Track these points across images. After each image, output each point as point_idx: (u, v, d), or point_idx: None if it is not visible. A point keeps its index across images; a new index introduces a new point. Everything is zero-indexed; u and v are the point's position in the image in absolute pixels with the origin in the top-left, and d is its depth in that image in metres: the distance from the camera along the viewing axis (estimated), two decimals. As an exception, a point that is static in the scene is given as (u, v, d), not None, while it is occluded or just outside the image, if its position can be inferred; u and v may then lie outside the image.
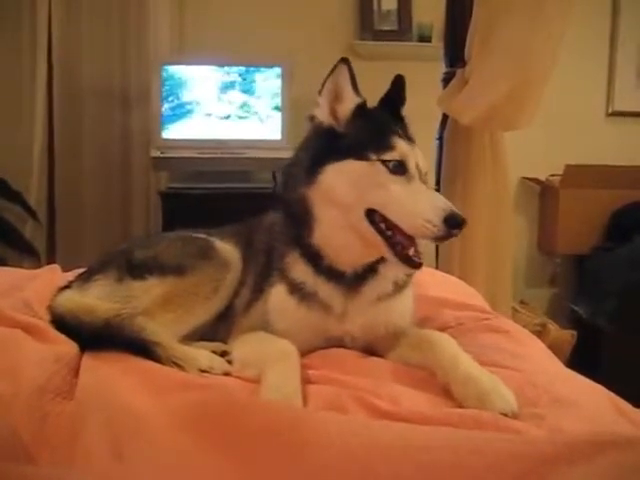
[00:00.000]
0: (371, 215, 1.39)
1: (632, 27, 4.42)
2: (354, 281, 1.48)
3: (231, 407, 1.07)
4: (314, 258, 1.47)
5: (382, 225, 1.38)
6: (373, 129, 1.46)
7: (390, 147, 1.41)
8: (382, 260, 1.48)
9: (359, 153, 1.40)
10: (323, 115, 1.48)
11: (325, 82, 1.47)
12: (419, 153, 1.45)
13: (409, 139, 1.48)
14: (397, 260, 1.38)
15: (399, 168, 1.39)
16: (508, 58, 2.62)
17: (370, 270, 1.49)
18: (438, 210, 1.31)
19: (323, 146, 1.45)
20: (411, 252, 1.37)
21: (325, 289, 1.47)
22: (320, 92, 1.48)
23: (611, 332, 3.62)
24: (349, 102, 1.47)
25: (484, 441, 0.92)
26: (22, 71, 3.98)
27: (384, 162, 1.39)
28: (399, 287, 1.54)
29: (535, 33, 2.53)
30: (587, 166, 4.08)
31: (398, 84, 1.60)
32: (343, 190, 1.39)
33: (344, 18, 4.25)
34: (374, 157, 1.39)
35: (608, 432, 0.99)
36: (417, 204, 1.35)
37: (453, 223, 1.30)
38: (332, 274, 1.47)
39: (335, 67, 1.46)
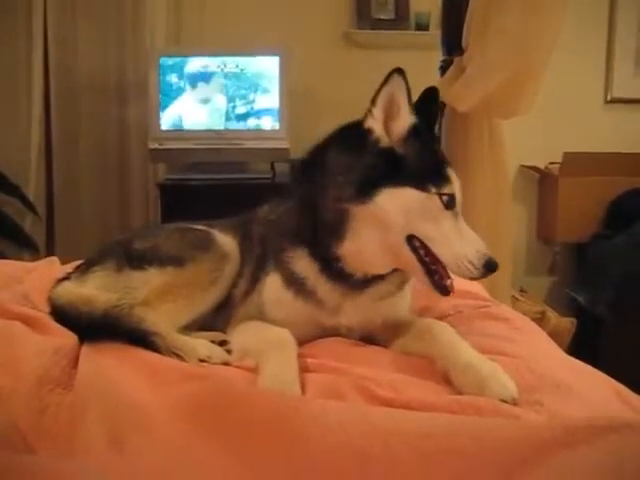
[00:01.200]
0: (411, 241, 1.37)
1: (630, 14, 4.39)
2: (358, 284, 1.46)
3: (229, 397, 1.07)
4: (327, 261, 1.44)
5: (422, 252, 1.38)
6: (430, 156, 1.44)
7: (448, 180, 1.40)
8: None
9: (419, 183, 1.35)
10: (379, 130, 1.40)
11: (379, 92, 1.39)
12: (459, 189, 1.44)
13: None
14: (433, 288, 1.39)
15: (451, 203, 1.38)
16: (505, 45, 2.60)
17: (378, 276, 1.47)
18: (480, 254, 1.35)
19: (379, 165, 1.38)
20: (448, 282, 1.39)
21: (325, 288, 1.46)
22: (373, 101, 1.39)
23: (610, 320, 3.62)
24: (405, 120, 1.40)
25: (483, 427, 0.92)
26: (18, 64, 3.97)
27: (441, 196, 1.37)
28: (401, 285, 1.53)
29: (532, 20, 2.51)
30: (586, 154, 4.07)
31: (431, 97, 1.55)
32: (394, 216, 1.35)
33: (341, 7, 4.22)
34: (433, 190, 1.36)
35: (607, 416, 0.99)
36: (463, 245, 1.37)
37: (490, 268, 1.35)
38: (339, 276, 1.45)
39: (390, 77, 1.37)
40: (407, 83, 1.38)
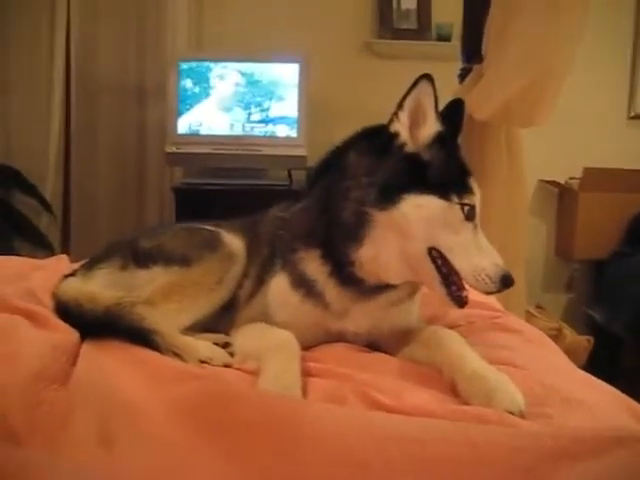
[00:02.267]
0: (430, 251, 1.35)
1: (656, 29, 4.35)
2: (369, 291, 1.43)
3: (226, 398, 1.05)
4: (339, 264, 1.41)
5: (439, 262, 1.35)
6: (454, 165, 1.41)
7: (470, 191, 1.38)
8: None
9: (442, 192, 1.33)
10: (405, 135, 1.38)
11: (406, 97, 1.37)
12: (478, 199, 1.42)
13: None
14: (449, 299, 1.37)
15: (471, 214, 1.36)
16: (524, 53, 2.57)
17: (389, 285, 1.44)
18: (498, 268, 1.33)
19: (404, 171, 1.36)
20: (464, 294, 1.36)
21: (334, 292, 1.43)
22: (400, 105, 1.37)
23: (628, 339, 3.56)
24: (431, 127, 1.38)
25: (481, 434, 0.88)
26: (40, 66, 4.01)
27: (462, 206, 1.35)
28: (412, 294, 1.50)
29: (551, 26, 2.48)
30: (607, 169, 4.03)
31: (456, 108, 1.54)
32: (416, 224, 1.33)
33: (363, 16, 4.23)
34: (456, 200, 1.34)
35: (615, 428, 0.95)
36: (481, 257, 1.34)
37: (506, 282, 1.33)
38: (350, 281, 1.42)
39: (418, 82, 1.35)
40: (435, 90, 1.36)
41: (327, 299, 1.44)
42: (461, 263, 1.34)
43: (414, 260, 1.36)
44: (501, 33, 2.66)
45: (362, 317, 1.46)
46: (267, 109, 3.78)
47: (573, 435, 0.85)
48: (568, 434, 0.86)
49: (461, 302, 1.36)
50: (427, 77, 1.35)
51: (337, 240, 1.40)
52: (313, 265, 1.44)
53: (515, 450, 0.83)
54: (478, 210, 1.39)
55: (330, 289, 1.43)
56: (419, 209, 1.32)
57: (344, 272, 1.41)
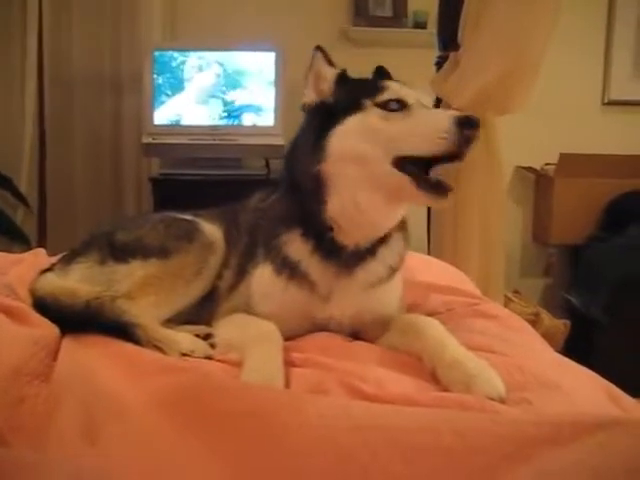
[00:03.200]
0: (397, 163, 1.34)
1: (628, 15, 4.38)
2: (350, 261, 1.44)
3: (209, 389, 1.05)
4: (319, 234, 1.43)
5: (409, 167, 1.33)
6: (362, 84, 1.48)
7: (381, 89, 1.41)
8: (384, 242, 1.46)
9: (354, 107, 1.39)
10: (311, 97, 1.48)
11: (307, 76, 1.49)
12: (420, 94, 1.44)
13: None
14: (434, 197, 1.33)
15: (398, 105, 1.38)
16: (499, 40, 2.59)
17: (370, 250, 1.45)
18: (448, 117, 1.29)
19: (321, 121, 1.42)
20: (441, 179, 1.34)
21: (318, 269, 1.43)
22: (305, 84, 1.50)
23: (605, 323, 3.60)
24: (330, 76, 1.48)
25: (465, 422, 0.89)
26: (12, 57, 3.94)
27: (380, 105, 1.38)
28: (390, 272, 1.50)
29: (525, 14, 2.50)
30: (582, 155, 4.05)
31: (381, 72, 1.62)
32: (354, 148, 1.36)
33: (339, 3, 4.21)
34: (369, 102, 1.38)
35: (595, 413, 0.96)
36: (427, 123, 1.33)
37: (465, 123, 1.27)
38: (331, 251, 1.43)
39: (312, 57, 1.50)
40: (325, 53, 1.51)
41: (311, 277, 1.44)
42: (414, 144, 1.32)
43: (383, 181, 1.36)
44: (476, 21, 2.68)
45: (346, 300, 1.46)
46: (243, 98, 3.76)
47: (553, 421, 0.87)
48: (549, 420, 0.88)
49: (441, 187, 1.33)
50: (317, 48, 1.50)
51: (310, 211, 1.43)
52: (296, 245, 1.45)
53: (498, 437, 0.84)
54: (416, 100, 1.40)
55: (314, 266, 1.44)
56: (345, 135, 1.37)
57: (325, 242, 1.42)
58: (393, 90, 1.40)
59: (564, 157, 4.04)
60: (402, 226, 1.53)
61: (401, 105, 1.37)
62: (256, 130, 3.74)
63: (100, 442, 0.98)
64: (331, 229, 1.41)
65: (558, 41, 2.71)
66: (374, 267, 1.46)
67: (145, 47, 3.82)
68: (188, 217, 1.66)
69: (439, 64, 3.03)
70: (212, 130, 3.71)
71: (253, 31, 3.92)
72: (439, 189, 1.33)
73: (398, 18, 4.15)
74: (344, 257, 1.43)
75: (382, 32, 4.11)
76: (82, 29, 3.98)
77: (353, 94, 1.42)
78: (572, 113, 4.32)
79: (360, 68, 1.53)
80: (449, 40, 2.95)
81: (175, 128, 3.74)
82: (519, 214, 4.47)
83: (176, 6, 4.05)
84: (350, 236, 1.42)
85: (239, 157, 3.84)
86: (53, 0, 3.93)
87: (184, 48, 3.82)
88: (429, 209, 3.07)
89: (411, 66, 3.90)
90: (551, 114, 4.14)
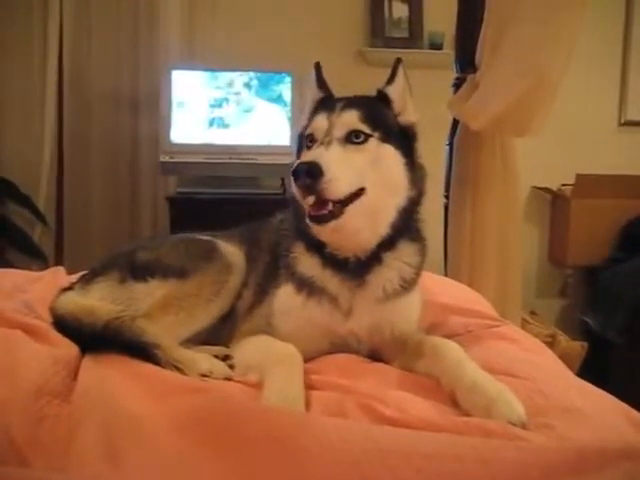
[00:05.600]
0: None
1: (646, 36, 4.38)
2: (359, 270, 1.44)
3: (231, 412, 1.04)
4: (318, 247, 1.45)
5: None
6: (313, 116, 1.50)
7: (308, 124, 1.48)
8: (388, 250, 1.46)
9: (302, 142, 1.48)
10: (302, 122, 1.55)
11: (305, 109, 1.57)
12: (345, 116, 1.42)
13: (347, 106, 1.44)
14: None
15: (312, 141, 1.43)
16: (519, 63, 2.58)
17: (374, 258, 1.45)
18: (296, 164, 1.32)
19: (299, 149, 1.52)
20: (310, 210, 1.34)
21: (333, 283, 1.45)
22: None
23: (622, 344, 3.57)
24: (312, 100, 1.55)
25: (490, 449, 0.89)
26: (33, 75, 3.98)
27: (306, 138, 1.45)
28: (406, 285, 1.49)
29: (546, 39, 2.49)
30: (599, 176, 4.04)
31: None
32: None
33: (355, 25, 4.24)
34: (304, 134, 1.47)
35: (618, 441, 0.95)
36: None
37: (294, 174, 1.29)
38: (337, 264, 1.44)
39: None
40: (319, 72, 1.58)
41: (329, 291, 1.45)
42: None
43: None
44: (496, 43, 2.67)
45: (364, 312, 1.46)
46: (260, 118, 3.78)
47: (578, 449, 0.86)
48: (574, 448, 0.87)
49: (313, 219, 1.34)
50: (315, 67, 1.57)
51: (303, 228, 1.44)
52: (305, 260, 1.48)
53: (524, 466, 0.83)
54: (326, 129, 1.41)
55: (328, 279, 1.45)
56: None
57: (325, 256, 1.44)
58: (313, 125, 1.45)
59: (581, 178, 4.03)
60: (414, 237, 1.52)
61: (313, 140, 1.43)
62: (273, 149, 3.75)
63: (121, 464, 0.98)
64: (324, 243, 1.43)
65: (575, 62, 2.70)
66: (385, 276, 1.46)
67: (163, 66, 3.85)
68: (208, 238, 1.67)
69: (457, 86, 3.03)
70: (229, 149, 3.72)
71: (270, 53, 3.94)
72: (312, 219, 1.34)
73: (414, 39, 4.18)
74: (351, 268, 1.44)
75: (398, 53, 4.11)
76: (101, 48, 4.03)
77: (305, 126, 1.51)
78: (589, 134, 4.31)
79: (376, 88, 1.55)
80: (467, 62, 2.96)
81: (192, 147, 3.75)
82: (535, 235, 4.45)
83: (194, 26, 4.08)
84: (342, 248, 1.43)
85: (256, 176, 3.85)
86: (73, 20, 3.98)
87: (201, 68, 3.85)
88: (446, 229, 3.06)
89: (427, 87, 3.94)
90: (568, 134, 4.13)
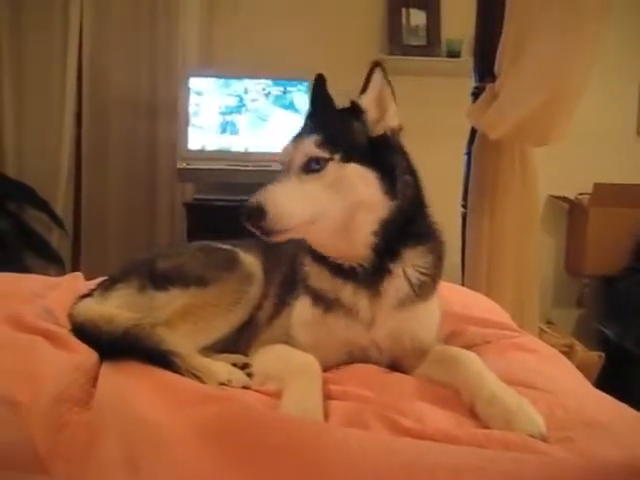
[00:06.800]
0: None
1: (665, 45, 4.36)
2: (371, 280, 1.43)
3: (250, 421, 1.04)
4: (321, 257, 1.45)
5: None
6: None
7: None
8: (388, 258, 1.44)
9: None
10: None
11: None
12: (303, 143, 1.42)
13: (307, 131, 1.45)
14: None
15: (283, 172, 1.43)
16: (539, 73, 2.57)
17: (383, 269, 1.44)
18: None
19: None
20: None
21: (346, 292, 1.44)
22: None
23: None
24: None
25: (512, 463, 0.88)
26: (52, 81, 4.04)
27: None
28: (419, 291, 1.48)
29: (567, 46, 2.48)
30: (617, 185, 4.02)
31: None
32: None
33: (372, 33, 4.25)
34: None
35: (643, 457, 0.94)
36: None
37: (241, 214, 1.33)
38: (345, 273, 1.43)
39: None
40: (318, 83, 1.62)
41: (344, 302, 1.44)
42: None
43: None
44: (516, 52, 2.66)
45: (383, 321, 1.45)
46: (278, 125, 3.79)
47: (602, 465, 0.85)
48: (598, 464, 0.86)
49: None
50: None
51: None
52: (316, 272, 1.48)
53: (547, 480, 0.83)
54: (289, 161, 1.43)
55: (340, 290, 1.44)
56: None
57: (331, 265, 1.44)
58: (281, 157, 1.46)
59: (598, 187, 4.01)
60: (421, 242, 1.49)
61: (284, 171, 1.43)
62: (289, 157, 3.75)
63: (141, 473, 0.98)
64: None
65: (594, 71, 2.69)
66: (396, 284, 1.45)
67: (181, 73, 3.88)
68: (228, 247, 1.67)
69: (475, 95, 3.03)
70: (246, 156, 3.74)
71: (288, 60, 3.95)
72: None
73: (432, 47, 4.18)
74: (362, 277, 1.43)
75: (416, 61, 4.13)
76: (120, 55, 4.07)
77: None
78: (607, 143, 4.29)
79: (394, 96, 1.52)
80: (486, 71, 2.95)
81: (209, 154, 3.76)
82: (552, 244, 4.43)
83: (213, 33, 4.12)
84: (342, 258, 1.43)
85: (272, 183, 3.85)
86: (93, 27, 4.02)
87: (219, 75, 3.86)
88: (463, 239, 3.05)
89: (444, 94, 3.95)
90: (585, 143, 4.10)
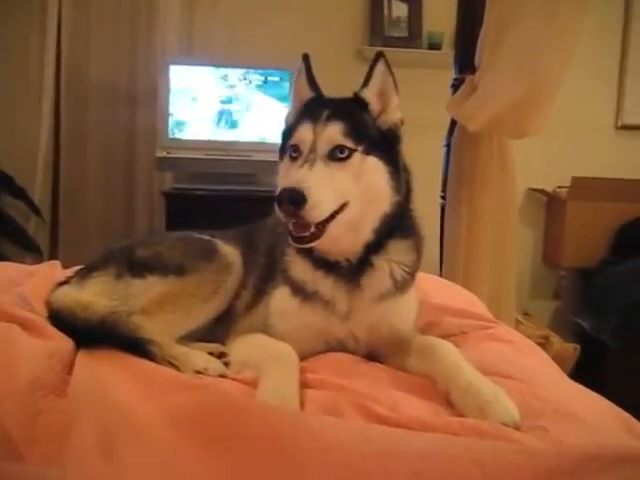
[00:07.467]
0: None
1: (643, 41, 4.39)
2: (352, 274, 1.44)
3: (226, 409, 1.05)
4: (307, 251, 1.44)
5: None
6: (296, 121, 1.46)
7: (291, 135, 1.43)
8: (377, 252, 1.45)
9: (287, 145, 1.44)
10: (289, 120, 1.51)
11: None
12: (329, 129, 1.37)
13: (331, 117, 1.39)
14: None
15: (296, 152, 1.39)
16: (518, 64, 2.59)
17: (365, 262, 1.44)
18: (280, 189, 1.27)
19: (282, 150, 1.48)
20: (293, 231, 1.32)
21: (326, 285, 1.44)
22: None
23: (615, 347, 3.58)
24: (303, 98, 1.52)
25: (485, 451, 0.89)
26: (30, 69, 3.98)
27: (289, 149, 1.42)
28: (400, 286, 1.49)
29: (546, 40, 2.50)
30: (595, 179, 4.06)
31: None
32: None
33: (354, 24, 4.24)
34: (287, 144, 1.43)
35: (616, 445, 0.95)
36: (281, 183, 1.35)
37: (277, 200, 1.26)
38: (328, 266, 1.44)
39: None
40: (307, 64, 1.56)
41: (322, 295, 1.45)
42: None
43: None
44: (496, 44, 2.68)
45: (360, 314, 1.46)
46: (258, 115, 3.78)
47: (575, 453, 0.86)
48: (570, 452, 0.87)
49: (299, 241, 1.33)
50: (303, 56, 1.57)
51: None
52: (298, 264, 1.47)
53: (518, 468, 0.84)
54: (311, 143, 1.36)
55: (320, 282, 1.45)
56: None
57: (316, 259, 1.44)
58: (297, 136, 1.40)
59: (576, 180, 4.04)
60: (405, 235, 1.50)
61: (298, 152, 1.38)
62: (270, 147, 3.73)
63: (116, 460, 0.98)
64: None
65: (573, 65, 2.71)
66: (377, 277, 1.46)
67: (161, 61, 3.85)
68: (207, 237, 1.67)
69: (455, 86, 3.03)
70: (226, 145, 3.72)
71: (269, 50, 3.94)
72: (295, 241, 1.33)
73: (413, 39, 4.18)
74: (344, 270, 1.44)
75: (397, 52, 4.12)
76: (99, 42, 4.02)
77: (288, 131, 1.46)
78: (585, 136, 4.33)
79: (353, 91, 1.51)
80: (466, 63, 2.96)
81: (189, 143, 3.74)
82: (530, 236, 4.46)
83: (193, 21, 4.08)
84: (329, 252, 1.43)
85: (253, 173, 3.84)
86: (72, 12, 3.97)
87: (199, 63, 3.84)
88: (442, 229, 3.07)
89: (425, 86, 3.95)
90: (564, 137, 4.14)
